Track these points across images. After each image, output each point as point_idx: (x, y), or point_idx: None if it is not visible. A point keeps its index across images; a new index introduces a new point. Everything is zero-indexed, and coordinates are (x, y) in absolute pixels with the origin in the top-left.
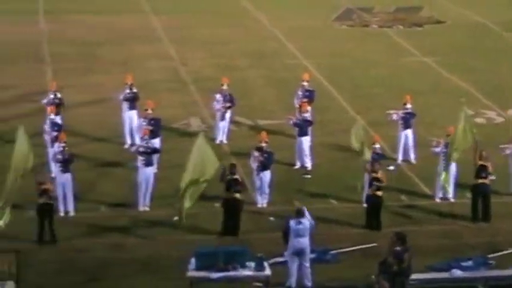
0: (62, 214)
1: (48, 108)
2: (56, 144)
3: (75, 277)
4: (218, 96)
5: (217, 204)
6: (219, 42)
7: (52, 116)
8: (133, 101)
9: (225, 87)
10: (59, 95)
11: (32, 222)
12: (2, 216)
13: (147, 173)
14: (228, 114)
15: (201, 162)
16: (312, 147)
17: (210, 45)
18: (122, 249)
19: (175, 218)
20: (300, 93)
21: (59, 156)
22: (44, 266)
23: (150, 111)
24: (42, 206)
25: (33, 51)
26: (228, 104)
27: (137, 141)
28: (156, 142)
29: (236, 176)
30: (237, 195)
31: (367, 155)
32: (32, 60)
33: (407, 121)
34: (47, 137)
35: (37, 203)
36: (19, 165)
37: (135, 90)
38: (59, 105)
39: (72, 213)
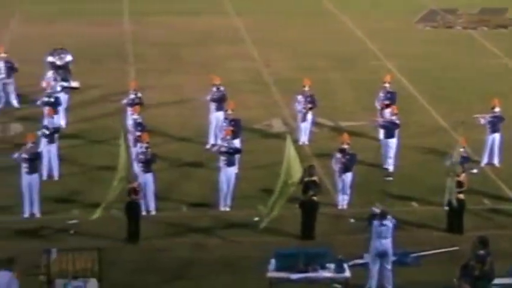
0: (143, 213)
1: (132, 108)
2: (139, 144)
3: (156, 276)
4: (300, 97)
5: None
6: (301, 44)
7: (135, 116)
8: (220, 102)
9: (306, 88)
10: (139, 95)
11: (115, 221)
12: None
13: (229, 173)
14: (309, 116)
15: (288, 164)
16: (397, 150)
17: (292, 46)
18: (203, 249)
19: (256, 219)
20: (381, 95)
21: (141, 156)
22: (126, 264)
23: (230, 112)
24: (130, 204)
25: (117, 52)
26: (309, 105)
27: (219, 141)
28: (236, 143)
29: (314, 178)
30: (314, 197)
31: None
32: (116, 61)
33: (495, 125)
34: (131, 137)
35: (125, 201)
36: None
37: (223, 91)
38: (139, 105)
39: (153, 212)
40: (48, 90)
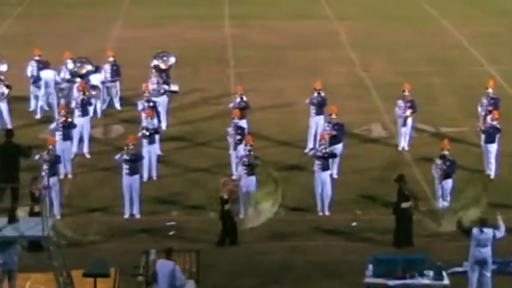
0: (241, 216)
1: (234, 112)
2: (242, 147)
3: (254, 279)
4: (400, 102)
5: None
6: (401, 48)
7: (236, 120)
8: (320, 107)
9: (406, 93)
10: (245, 99)
11: (214, 223)
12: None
13: (323, 178)
14: (409, 121)
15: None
16: (497, 157)
17: (393, 51)
18: (301, 253)
19: (354, 224)
20: (484, 100)
21: (245, 159)
22: (224, 266)
23: (334, 116)
24: (225, 213)
25: (218, 55)
26: (410, 110)
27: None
28: (338, 147)
29: (406, 186)
30: (405, 204)
31: None
32: (217, 64)
33: None
34: (230, 140)
35: (220, 210)
36: None
37: (323, 95)
38: (244, 109)
39: None
40: (147, 94)
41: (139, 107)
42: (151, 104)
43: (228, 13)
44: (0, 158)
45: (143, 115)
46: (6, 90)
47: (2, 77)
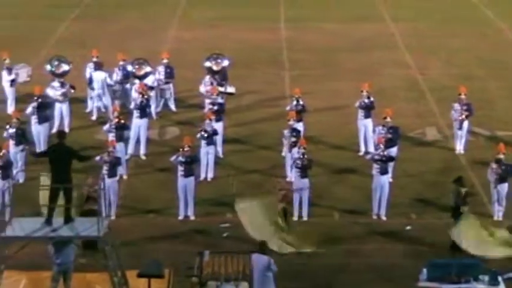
0: (295, 219)
1: (290, 114)
2: (296, 150)
3: (308, 282)
4: (456, 105)
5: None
6: (457, 51)
7: (291, 122)
8: (368, 110)
9: (463, 96)
10: (301, 102)
11: None
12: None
13: (382, 181)
14: (465, 124)
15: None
16: None
17: (449, 54)
18: (355, 256)
19: (408, 228)
20: None
21: (298, 162)
22: (278, 269)
23: (389, 120)
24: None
25: (273, 57)
26: (466, 113)
27: (371, 149)
28: (393, 150)
29: (464, 189)
30: (465, 208)
31: None
32: (272, 66)
33: None
34: (285, 142)
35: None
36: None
37: (371, 98)
38: (301, 112)
39: (305, 218)
40: (213, 96)
41: (206, 109)
42: (215, 106)
43: (284, 15)
44: (52, 159)
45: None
46: (70, 91)
47: (63, 79)
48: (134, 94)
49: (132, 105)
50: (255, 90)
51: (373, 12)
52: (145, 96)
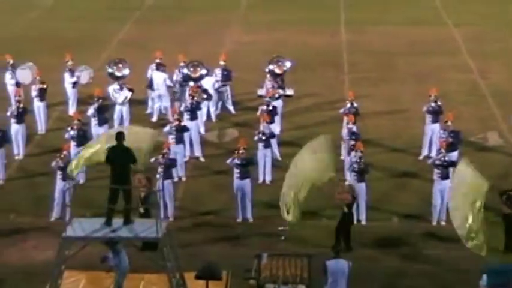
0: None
1: (347, 117)
2: (353, 154)
3: (367, 286)
4: None
5: None
6: None
7: (350, 125)
8: (437, 114)
9: None
10: (355, 104)
11: (325, 228)
12: (290, 210)
13: (443, 186)
14: None
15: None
16: None
17: (511, 58)
18: (413, 261)
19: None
20: None
21: (355, 166)
22: None
23: (450, 123)
24: (344, 216)
25: (332, 60)
26: None
27: (434, 153)
28: (454, 155)
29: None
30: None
31: None
32: (331, 69)
33: None
34: (344, 145)
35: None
36: (317, 173)
37: (439, 103)
38: (355, 115)
39: (364, 222)
40: (267, 99)
41: (259, 111)
42: (270, 108)
43: (344, 18)
44: (111, 160)
45: (261, 119)
46: (129, 94)
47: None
48: (187, 96)
49: (182, 107)
50: (314, 93)
51: (434, 15)
52: (196, 98)
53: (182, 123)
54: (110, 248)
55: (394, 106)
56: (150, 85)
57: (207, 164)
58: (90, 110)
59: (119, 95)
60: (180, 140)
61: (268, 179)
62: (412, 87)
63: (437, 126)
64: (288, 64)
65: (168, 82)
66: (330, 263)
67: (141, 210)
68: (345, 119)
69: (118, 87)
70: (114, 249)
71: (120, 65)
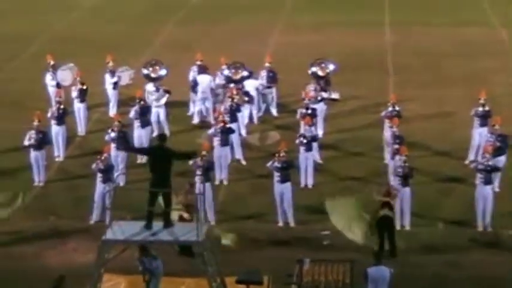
0: (397, 228)
1: (391, 120)
2: (397, 157)
3: None
4: None
5: None
6: None
7: (394, 128)
8: (485, 118)
9: None
10: (397, 108)
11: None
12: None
13: (485, 192)
14: None
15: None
16: None
17: None
18: (458, 268)
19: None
20: None
21: (399, 170)
22: None
23: (497, 127)
24: (382, 219)
25: (378, 62)
26: None
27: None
28: (502, 159)
29: None
30: None
31: None
32: (376, 71)
33: None
34: (388, 149)
35: (377, 215)
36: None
37: (487, 108)
38: (397, 118)
39: (408, 227)
40: (306, 101)
41: (298, 114)
42: (309, 111)
43: (389, 19)
44: (152, 162)
45: (301, 122)
46: (165, 95)
47: (161, 82)
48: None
49: (222, 109)
50: (358, 95)
51: (482, 16)
52: (236, 101)
53: (227, 125)
54: (143, 253)
55: (440, 109)
56: (193, 88)
57: (248, 167)
58: (132, 112)
59: (155, 96)
60: (225, 142)
61: (310, 183)
62: (459, 90)
63: (485, 130)
64: (331, 66)
65: (212, 84)
66: (371, 270)
67: (183, 214)
68: (386, 122)
69: (154, 88)
70: (148, 254)
71: (157, 67)
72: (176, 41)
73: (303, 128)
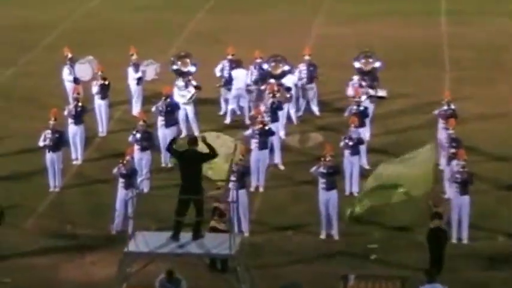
0: (454, 241)
1: (445, 121)
2: (454, 162)
3: None
4: None
5: None
6: None
7: (450, 131)
8: None
9: None
10: (452, 106)
11: (420, 247)
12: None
13: None
14: None
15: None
16: None
17: None
18: None
19: None
20: None
21: (457, 176)
22: None
23: None
24: (434, 231)
25: (431, 57)
26: None
27: None
28: None
29: None
30: None
31: None
32: (429, 66)
33: None
34: (443, 153)
35: (428, 227)
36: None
37: None
38: (453, 118)
39: (465, 241)
40: (357, 99)
41: (347, 112)
42: (361, 108)
43: (445, 8)
44: (182, 167)
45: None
46: (193, 91)
47: (191, 78)
48: (266, 96)
49: (262, 108)
50: (408, 93)
51: None
52: (278, 98)
53: (267, 126)
54: (169, 278)
55: (500, 109)
56: (226, 84)
57: (286, 172)
58: (154, 107)
59: (184, 93)
60: (263, 145)
61: (355, 190)
62: None
63: None
64: (377, 63)
65: (248, 80)
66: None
67: (215, 224)
68: (441, 122)
69: (183, 84)
70: (173, 280)
71: (187, 60)
72: (206, 31)
73: (350, 129)
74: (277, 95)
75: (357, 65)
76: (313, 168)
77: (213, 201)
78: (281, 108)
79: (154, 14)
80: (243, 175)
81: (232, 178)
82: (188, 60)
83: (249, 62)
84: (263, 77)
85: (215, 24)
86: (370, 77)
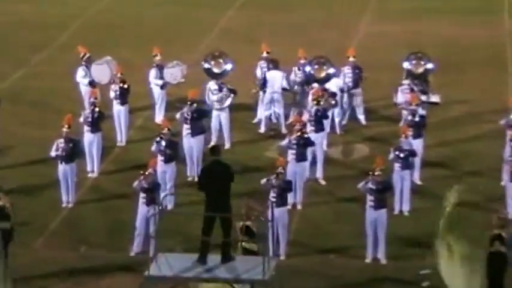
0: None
1: (510, 132)
2: None
3: None
4: None
5: None
6: None
7: None
8: None
9: None
10: None
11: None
12: None
13: None
14: None
15: None
16: None
17: None
18: None
19: None
20: None
21: None
22: None
23: None
24: (493, 255)
25: (492, 58)
26: None
27: None
28: None
29: None
30: None
31: None
32: (491, 69)
33: None
34: (507, 168)
35: (488, 251)
36: None
37: None
38: None
39: None
40: (413, 107)
41: (403, 121)
42: (416, 118)
43: (509, 5)
44: (207, 181)
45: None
46: (230, 96)
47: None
48: (309, 102)
49: (305, 116)
50: (466, 99)
51: None
52: (323, 104)
53: (306, 136)
54: None
55: None
56: (262, 87)
57: (327, 187)
58: (178, 114)
59: (216, 97)
60: (301, 157)
61: (405, 208)
62: None
63: None
64: (429, 64)
65: (284, 83)
66: None
67: (244, 244)
68: (509, 133)
69: (216, 87)
70: None
71: (220, 60)
72: (238, 28)
73: (401, 140)
74: (322, 101)
75: (407, 66)
76: (361, 184)
77: (243, 219)
78: (327, 117)
79: (178, 8)
80: (283, 191)
81: (273, 194)
82: (222, 61)
83: (289, 64)
84: (307, 79)
85: (248, 20)
86: (422, 80)
